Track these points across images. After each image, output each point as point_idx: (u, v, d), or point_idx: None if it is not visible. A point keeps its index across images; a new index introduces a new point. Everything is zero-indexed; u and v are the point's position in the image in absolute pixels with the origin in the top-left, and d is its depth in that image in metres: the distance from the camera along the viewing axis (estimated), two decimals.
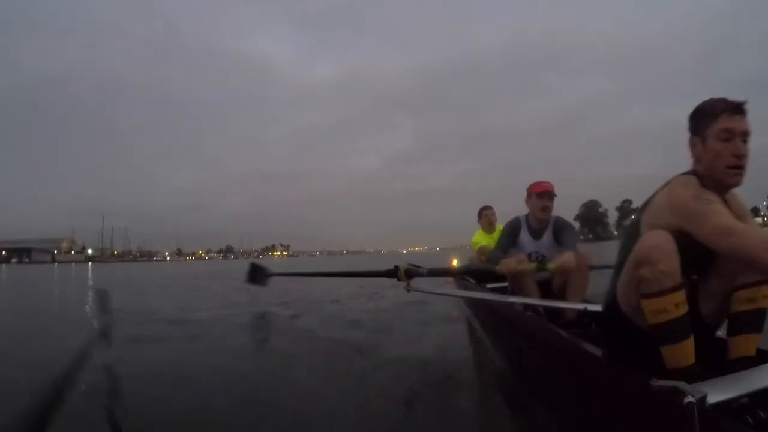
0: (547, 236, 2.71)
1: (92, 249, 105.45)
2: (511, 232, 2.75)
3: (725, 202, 1.28)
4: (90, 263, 62.22)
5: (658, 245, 1.20)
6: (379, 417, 1.78)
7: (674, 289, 1.19)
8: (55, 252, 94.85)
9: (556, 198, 2.64)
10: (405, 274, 2.50)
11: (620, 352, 1.39)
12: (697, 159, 1.33)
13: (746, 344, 1.25)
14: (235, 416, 1.83)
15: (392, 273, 2.53)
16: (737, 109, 1.25)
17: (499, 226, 3.76)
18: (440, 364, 2.52)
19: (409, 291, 2.54)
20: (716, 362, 1.27)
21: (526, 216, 2.76)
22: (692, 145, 1.33)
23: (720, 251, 1.22)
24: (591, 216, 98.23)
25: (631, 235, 1.38)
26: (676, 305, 1.18)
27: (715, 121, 1.25)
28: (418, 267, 2.61)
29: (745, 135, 1.24)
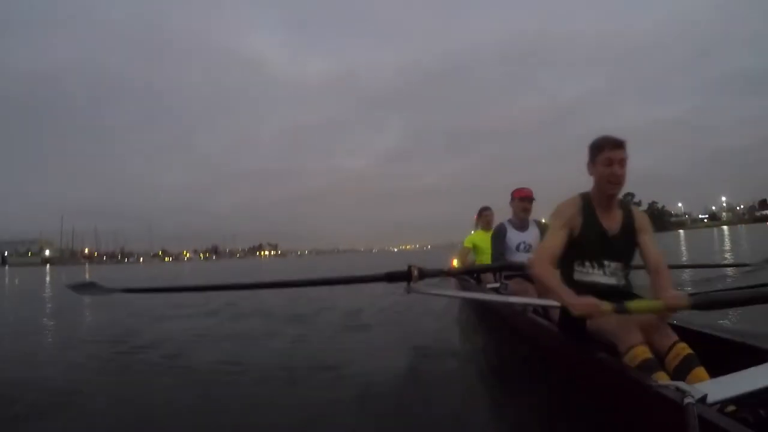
0: (533, 230, 3.42)
1: (50, 250, 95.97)
2: (499, 236, 3.46)
3: (628, 213, 1.81)
4: (48, 266, 55.21)
5: None
6: (367, 412, 1.75)
7: None
8: (6, 254, 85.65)
9: (534, 202, 3.43)
10: (419, 274, 2.42)
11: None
12: (593, 178, 1.80)
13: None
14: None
15: (403, 275, 2.44)
16: (617, 144, 1.72)
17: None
18: (438, 362, 2.48)
19: (409, 292, 2.53)
20: (716, 363, 1.32)
21: (510, 219, 3.52)
22: (589, 169, 1.82)
23: None
24: None
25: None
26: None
27: (601, 153, 1.74)
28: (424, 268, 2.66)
29: (622, 162, 1.72)
